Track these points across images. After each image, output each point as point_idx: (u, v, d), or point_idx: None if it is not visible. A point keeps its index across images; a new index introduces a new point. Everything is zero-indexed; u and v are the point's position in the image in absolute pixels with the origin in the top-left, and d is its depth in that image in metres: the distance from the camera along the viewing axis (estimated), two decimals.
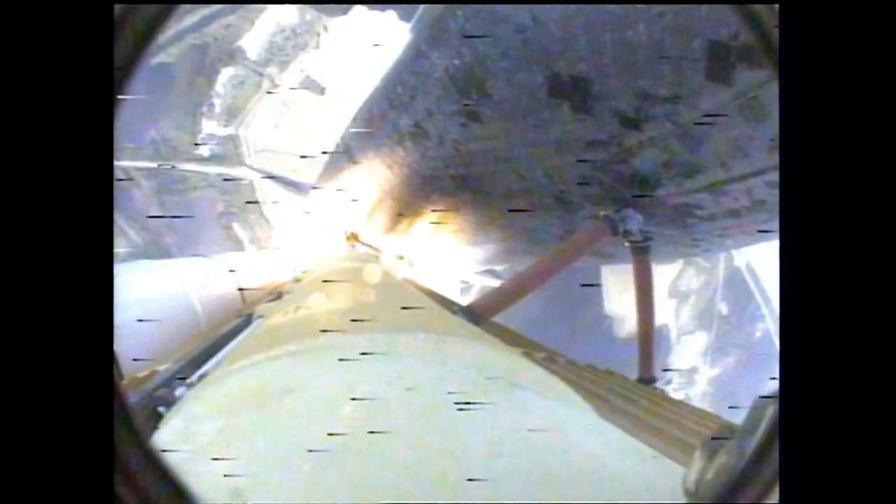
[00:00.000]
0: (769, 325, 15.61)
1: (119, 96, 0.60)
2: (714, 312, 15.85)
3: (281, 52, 11.41)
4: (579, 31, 3.35)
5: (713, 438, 0.69)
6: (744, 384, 15.96)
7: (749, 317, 15.87)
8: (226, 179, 11.54)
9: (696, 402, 15.84)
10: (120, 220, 11.63)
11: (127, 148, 11.41)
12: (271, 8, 11.08)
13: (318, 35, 11.29)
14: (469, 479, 0.80)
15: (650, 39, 3.07)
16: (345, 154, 7.70)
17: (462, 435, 0.97)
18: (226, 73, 11.22)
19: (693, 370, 15.96)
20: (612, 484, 0.86)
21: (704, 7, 2.80)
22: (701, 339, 15.98)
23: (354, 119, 7.13)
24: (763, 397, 0.67)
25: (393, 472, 0.81)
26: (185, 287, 4.56)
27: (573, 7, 3.32)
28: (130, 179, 11.41)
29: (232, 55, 11.26)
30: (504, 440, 0.96)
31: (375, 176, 6.92)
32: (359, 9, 11.10)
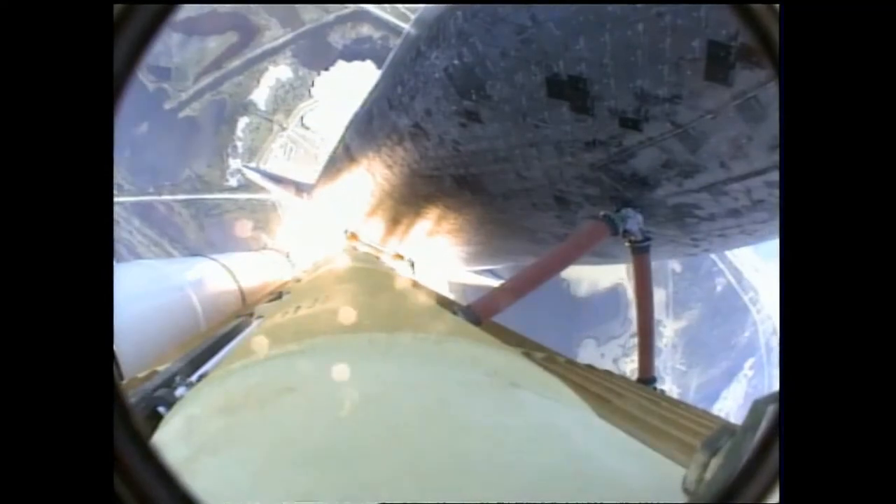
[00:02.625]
0: (729, 278, 16.06)
1: (119, 96, 0.60)
2: (667, 270, 16.12)
3: (284, 102, 14.43)
4: (579, 31, 3.35)
5: (713, 438, 0.69)
6: (713, 334, 16.31)
7: (705, 273, 16.25)
8: (253, 202, 14.39)
9: (667, 353, 16.12)
10: (164, 243, 14.26)
11: (166, 185, 14.17)
12: (271, 68, 14.09)
13: (310, 88, 14.34)
14: (469, 479, 0.80)
15: (650, 39, 3.07)
16: (345, 154, 7.70)
17: (462, 435, 0.97)
18: (242, 122, 14.31)
19: (657, 322, 16.23)
20: (612, 484, 0.85)
21: (704, 7, 2.79)
22: (658, 295, 16.25)
23: (354, 119, 7.13)
24: (762, 398, 0.67)
25: (393, 472, 0.81)
26: (185, 287, 4.56)
27: (573, 7, 3.32)
28: (171, 209, 14.00)
29: (245, 107, 14.36)
30: (504, 440, 0.96)
31: (375, 176, 6.92)
32: (340, 63, 14.07)
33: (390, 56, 5.67)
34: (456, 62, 4.17)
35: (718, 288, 16.31)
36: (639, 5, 3.01)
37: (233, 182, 14.51)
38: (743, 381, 16.37)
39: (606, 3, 3.14)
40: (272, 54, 14.11)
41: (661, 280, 16.12)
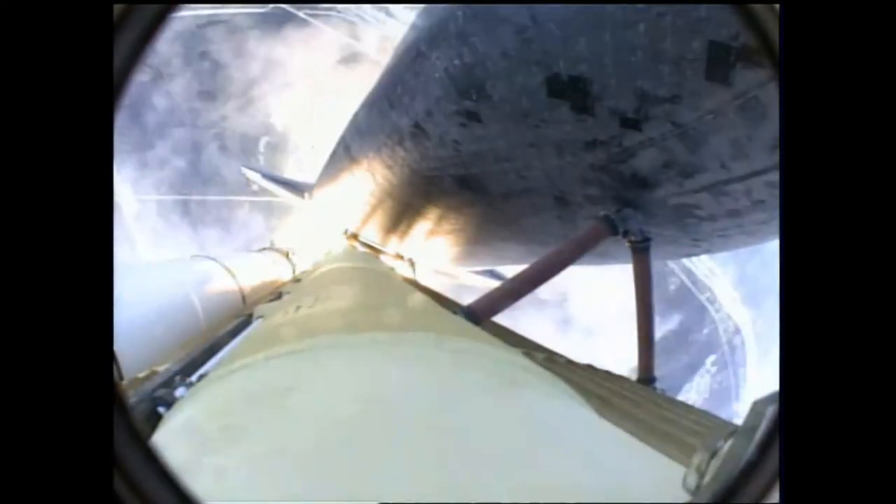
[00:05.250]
0: (682, 279, 16.79)
1: (119, 96, 0.60)
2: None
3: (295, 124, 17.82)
4: (579, 31, 3.35)
5: (713, 438, 0.69)
6: (671, 330, 16.73)
7: (657, 273, 16.70)
8: (272, 203, 17.25)
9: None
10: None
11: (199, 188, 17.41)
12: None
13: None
14: (469, 479, 0.80)
15: (650, 39, 3.07)
16: (345, 154, 7.70)
17: (462, 435, 0.97)
18: (264, 140, 17.70)
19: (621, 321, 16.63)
20: (612, 484, 0.86)
21: (704, 7, 2.79)
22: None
23: (354, 119, 7.13)
24: (762, 398, 0.67)
25: (393, 473, 0.81)
26: (185, 287, 4.56)
27: (573, 7, 3.32)
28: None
29: (266, 128, 17.69)
30: (504, 440, 0.96)
31: (375, 176, 6.92)
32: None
33: (391, 56, 5.67)
34: (456, 62, 4.17)
35: (672, 287, 16.84)
36: (639, 5, 3.01)
37: (255, 187, 17.72)
38: (706, 377, 16.83)
39: (607, 4, 3.14)
40: (287, 86, 17.42)
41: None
